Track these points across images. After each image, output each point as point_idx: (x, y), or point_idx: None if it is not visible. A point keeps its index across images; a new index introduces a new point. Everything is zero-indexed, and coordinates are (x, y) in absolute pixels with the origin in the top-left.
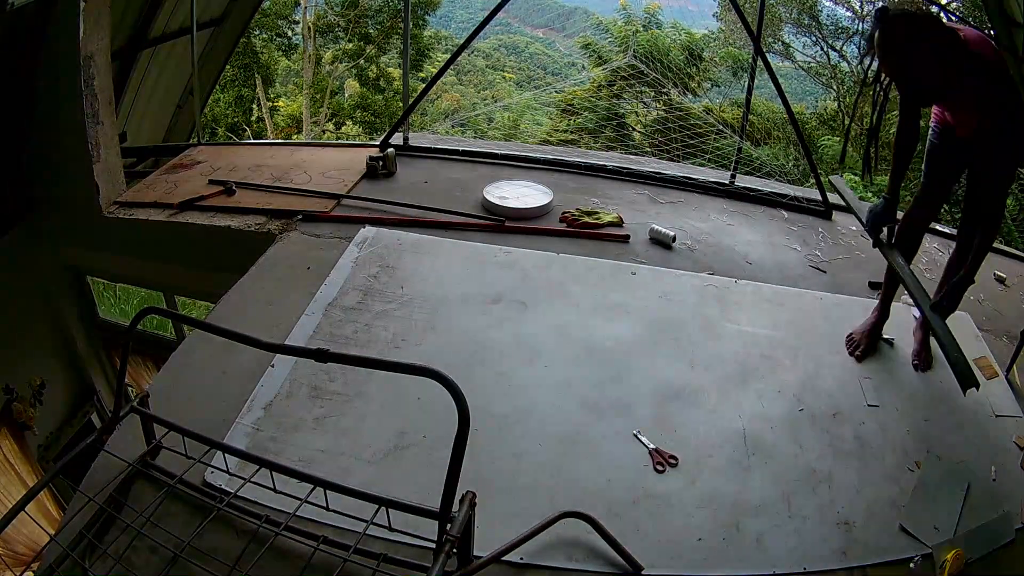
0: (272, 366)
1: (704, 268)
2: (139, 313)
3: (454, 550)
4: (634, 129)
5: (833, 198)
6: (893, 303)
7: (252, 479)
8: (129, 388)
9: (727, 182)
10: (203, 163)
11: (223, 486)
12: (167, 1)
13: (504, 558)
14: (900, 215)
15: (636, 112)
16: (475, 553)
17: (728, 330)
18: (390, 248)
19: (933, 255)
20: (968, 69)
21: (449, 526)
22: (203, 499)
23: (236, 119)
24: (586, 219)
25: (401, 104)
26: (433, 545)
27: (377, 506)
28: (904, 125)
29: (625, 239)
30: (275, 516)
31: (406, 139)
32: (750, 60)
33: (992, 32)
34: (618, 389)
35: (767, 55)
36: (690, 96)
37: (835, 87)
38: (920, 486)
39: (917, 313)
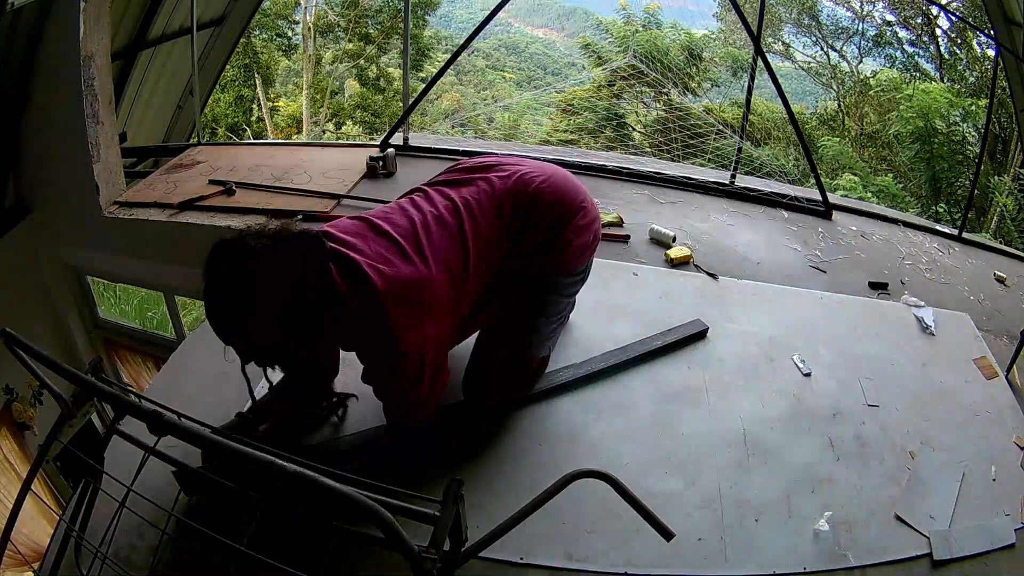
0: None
1: (704, 268)
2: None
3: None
4: (634, 129)
5: (833, 198)
6: (892, 303)
7: None
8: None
9: (727, 182)
10: (203, 163)
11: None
12: (167, 1)
13: (503, 558)
14: None
15: (636, 112)
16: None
17: (728, 330)
18: None
19: (933, 255)
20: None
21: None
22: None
23: (236, 119)
24: None
25: (401, 104)
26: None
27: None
28: None
29: (625, 239)
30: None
31: (406, 139)
32: (750, 60)
33: (993, 32)
34: (618, 389)
35: (767, 55)
36: (690, 96)
37: (835, 87)
38: (915, 476)
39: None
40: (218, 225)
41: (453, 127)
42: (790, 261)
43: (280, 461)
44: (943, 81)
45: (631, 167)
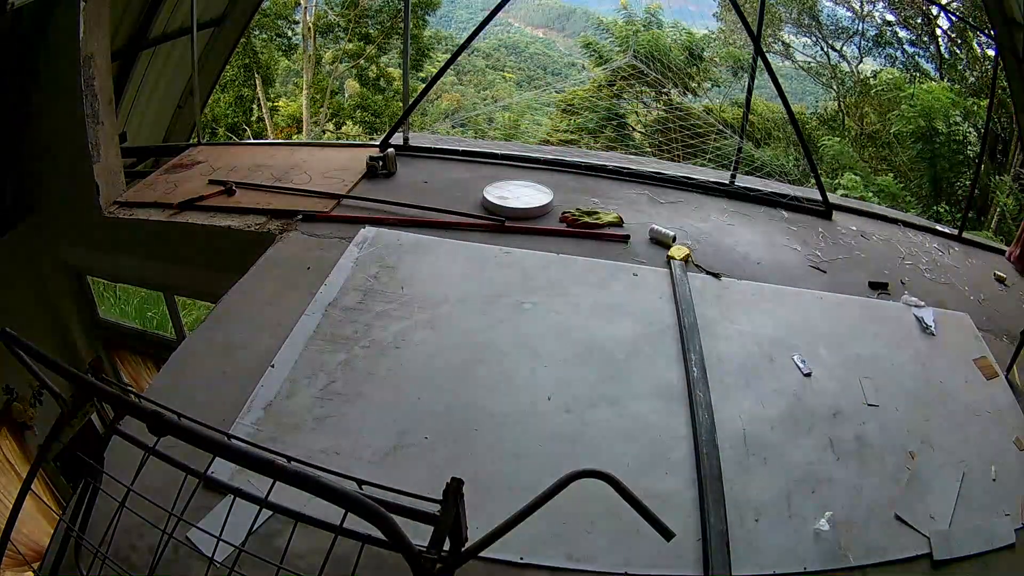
0: (272, 366)
1: (705, 268)
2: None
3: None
4: (634, 129)
5: (833, 198)
6: (893, 303)
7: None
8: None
9: (727, 182)
10: (203, 163)
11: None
12: (167, 1)
13: (503, 558)
14: None
15: (636, 112)
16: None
17: (728, 330)
18: (390, 248)
19: (933, 255)
20: None
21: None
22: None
23: (236, 119)
24: (586, 219)
25: (401, 104)
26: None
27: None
28: None
29: (625, 239)
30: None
31: (406, 139)
32: (750, 60)
33: (993, 32)
34: (618, 389)
35: (767, 55)
36: (690, 96)
37: (835, 87)
38: (915, 476)
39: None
40: (218, 225)
41: (453, 127)
42: (790, 261)
43: (279, 460)
44: (943, 80)
45: (631, 167)
